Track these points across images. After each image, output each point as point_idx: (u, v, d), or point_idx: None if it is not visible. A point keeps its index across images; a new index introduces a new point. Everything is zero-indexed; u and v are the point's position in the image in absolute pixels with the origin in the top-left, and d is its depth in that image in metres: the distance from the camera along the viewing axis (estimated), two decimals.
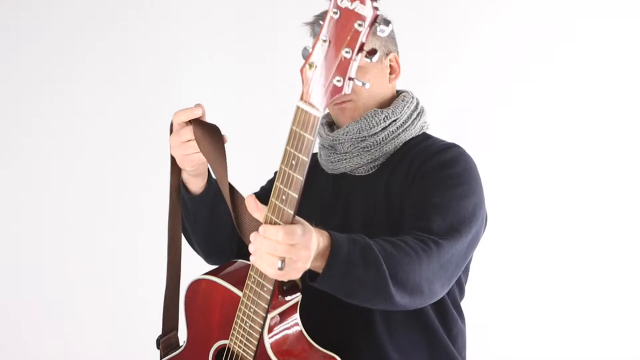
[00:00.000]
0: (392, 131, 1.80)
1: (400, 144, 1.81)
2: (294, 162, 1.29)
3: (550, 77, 2.68)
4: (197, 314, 1.66)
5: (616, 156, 2.61)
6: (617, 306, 2.61)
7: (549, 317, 2.65)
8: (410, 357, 1.72)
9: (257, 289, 1.46)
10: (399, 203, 1.69)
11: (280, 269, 1.29)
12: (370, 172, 1.81)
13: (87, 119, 2.93)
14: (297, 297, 1.57)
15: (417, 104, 1.89)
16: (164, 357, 1.78)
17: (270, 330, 1.52)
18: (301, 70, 1.25)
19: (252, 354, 1.53)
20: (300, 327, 1.56)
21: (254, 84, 2.78)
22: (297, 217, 1.33)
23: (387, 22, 1.27)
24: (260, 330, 1.49)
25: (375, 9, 1.16)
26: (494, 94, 2.70)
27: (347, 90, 1.22)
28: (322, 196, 1.85)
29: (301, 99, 1.27)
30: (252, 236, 1.31)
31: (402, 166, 1.76)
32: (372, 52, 1.22)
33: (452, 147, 1.78)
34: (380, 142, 1.79)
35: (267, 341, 1.51)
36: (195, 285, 1.65)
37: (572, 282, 2.63)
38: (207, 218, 1.79)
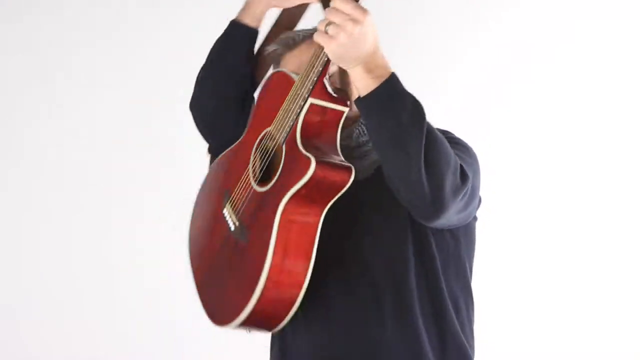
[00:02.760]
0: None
1: None
2: None
3: (551, 79, 2.66)
4: (261, 103, 1.72)
5: (617, 157, 2.60)
6: (617, 306, 2.58)
7: (548, 317, 2.62)
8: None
9: (309, 72, 1.51)
10: None
11: (325, 32, 1.38)
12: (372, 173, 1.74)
13: (84, 117, 2.89)
14: (341, 108, 1.56)
15: None
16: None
17: (307, 114, 1.54)
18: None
19: (285, 135, 1.57)
20: (335, 133, 1.57)
21: None
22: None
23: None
24: (298, 112, 1.53)
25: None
26: (494, 96, 2.70)
27: None
28: None
29: None
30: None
31: None
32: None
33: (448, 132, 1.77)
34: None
35: (300, 121, 1.53)
36: (275, 75, 1.70)
37: (571, 282, 2.60)
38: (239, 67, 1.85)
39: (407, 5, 2.62)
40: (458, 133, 2.59)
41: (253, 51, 1.88)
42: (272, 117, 1.64)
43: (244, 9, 1.89)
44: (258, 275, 1.52)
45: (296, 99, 1.55)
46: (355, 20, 1.38)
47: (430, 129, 1.47)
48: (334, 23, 1.39)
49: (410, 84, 2.43)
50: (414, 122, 1.45)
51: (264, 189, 1.60)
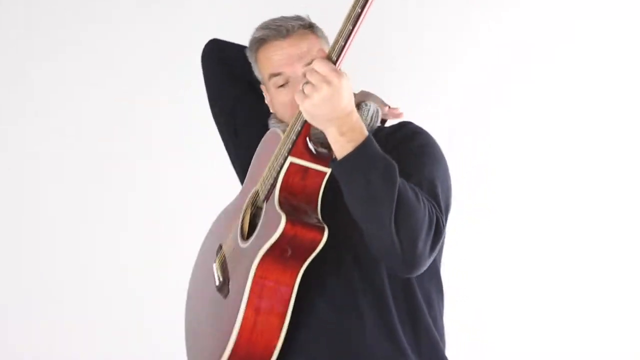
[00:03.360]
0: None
1: None
2: (351, 14, 1.42)
3: (551, 79, 2.65)
4: (255, 161, 1.77)
5: (616, 157, 2.61)
6: (617, 307, 2.57)
7: (548, 318, 2.62)
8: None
9: (290, 132, 1.55)
10: None
11: (301, 90, 1.44)
12: None
13: (70, 116, 2.85)
14: (323, 168, 1.56)
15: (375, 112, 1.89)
16: None
17: (287, 174, 1.55)
18: None
19: (266, 192, 1.61)
20: (317, 193, 1.57)
21: None
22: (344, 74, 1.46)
23: None
24: (278, 170, 1.56)
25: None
26: (494, 97, 2.70)
27: None
28: None
29: None
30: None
31: None
32: None
33: (411, 124, 1.79)
34: None
35: (279, 180, 1.55)
36: (269, 132, 1.75)
37: (571, 282, 2.59)
38: None
39: (406, 6, 2.62)
40: (457, 133, 2.61)
41: None
42: (258, 177, 1.68)
43: None
44: (230, 332, 1.54)
45: (278, 157, 1.59)
46: (329, 82, 1.43)
47: (402, 191, 1.50)
48: (310, 83, 1.45)
49: (410, 84, 2.47)
50: (385, 188, 1.48)
51: (244, 246, 1.65)
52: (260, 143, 1.79)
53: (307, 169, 1.57)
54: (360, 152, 1.48)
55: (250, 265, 1.54)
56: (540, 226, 2.62)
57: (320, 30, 1.84)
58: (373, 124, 1.81)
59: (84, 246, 2.82)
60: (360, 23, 1.44)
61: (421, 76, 2.64)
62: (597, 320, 2.58)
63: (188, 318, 1.91)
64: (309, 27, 1.80)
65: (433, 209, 1.56)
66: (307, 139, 1.57)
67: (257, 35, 1.80)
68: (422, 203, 1.52)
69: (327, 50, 1.64)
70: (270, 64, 1.77)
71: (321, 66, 1.45)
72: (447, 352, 1.72)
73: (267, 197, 1.62)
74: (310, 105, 1.45)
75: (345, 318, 1.65)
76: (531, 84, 2.63)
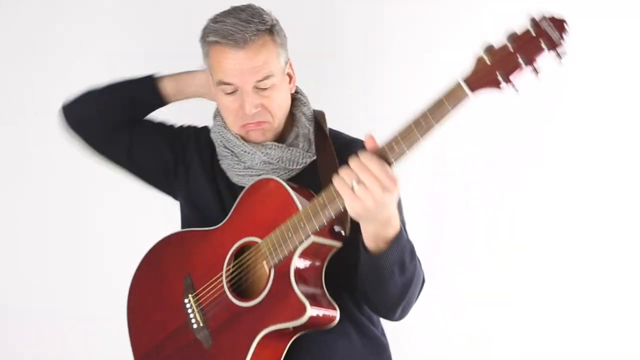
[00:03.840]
0: (305, 158, 1.84)
1: None
2: (422, 122, 1.41)
3: (550, 80, 2.67)
4: (247, 205, 1.74)
5: (616, 157, 2.60)
6: (617, 307, 2.56)
7: (549, 318, 2.60)
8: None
9: (319, 208, 1.55)
10: None
11: (352, 189, 1.43)
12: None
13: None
14: (337, 243, 1.64)
15: (311, 115, 1.90)
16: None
17: (304, 252, 1.61)
18: (478, 58, 1.40)
19: (275, 261, 1.62)
20: (322, 270, 1.66)
21: None
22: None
23: (563, 54, 1.37)
24: (297, 245, 1.59)
25: (563, 41, 1.35)
26: (493, 96, 2.70)
27: (501, 86, 1.39)
28: (224, 202, 1.86)
29: (464, 78, 1.41)
30: (351, 159, 1.45)
31: (325, 156, 1.80)
32: (537, 71, 1.39)
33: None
34: (290, 170, 1.83)
35: (295, 257, 1.60)
36: (263, 182, 1.73)
37: (572, 283, 2.58)
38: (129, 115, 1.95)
39: (405, 6, 2.61)
40: (456, 133, 2.55)
41: (152, 110, 1.96)
42: (258, 227, 1.69)
43: (173, 78, 1.93)
44: None
45: (298, 231, 1.59)
46: (385, 189, 1.43)
47: (419, 268, 1.65)
48: (363, 184, 1.43)
49: (408, 85, 2.46)
50: (408, 276, 1.60)
51: (241, 304, 1.68)
52: (252, 188, 1.76)
53: (324, 245, 1.63)
54: (392, 250, 1.55)
55: (256, 335, 1.62)
56: (539, 226, 2.61)
57: (280, 33, 1.80)
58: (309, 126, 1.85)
59: (84, 246, 2.82)
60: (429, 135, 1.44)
61: (420, 76, 2.59)
62: (597, 321, 2.57)
63: (139, 345, 1.87)
64: (269, 33, 1.76)
65: (422, 271, 1.70)
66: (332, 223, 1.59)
67: (211, 38, 1.75)
68: (420, 270, 1.68)
69: (281, 60, 1.74)
70: (221, 70, 1.75)
71: (379, 170, 1.42)
72: None
73: (277, 265, 1.63)
74: (361, 209, 1.45)
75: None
76: (530, 84, 2.64)
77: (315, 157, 1.82)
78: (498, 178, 2.56)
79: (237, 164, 1.84)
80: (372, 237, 1.54)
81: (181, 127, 2.03)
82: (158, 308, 1.82)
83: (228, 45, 1.72)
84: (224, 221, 1.78)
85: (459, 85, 1.40)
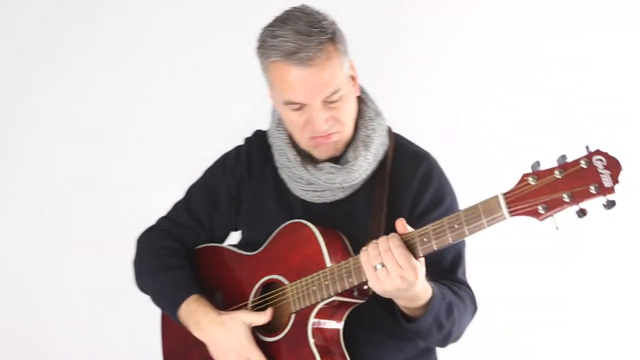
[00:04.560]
0: (371, 166, 1.80)
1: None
2: (456, 226, 1.44)
3: (549, 78, 2.61)
4: (281, 243, 1.78)
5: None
6: (617, 308, 2.66)
7: (548, 319, 2.70)
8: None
9: (344, 274, 1.60)
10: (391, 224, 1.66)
11: (375, 269, 1.50)
12: (344, 198, 1.81)
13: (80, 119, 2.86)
14: (358, 301, 1.71)
15: (382, 122, 1.84)
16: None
17: (324, 307, 1.68)
18: (525, 175, 1.38)
19: (297, 308, 1.69)
20: (341, 322, 1.73)
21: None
22: (422, 262, 1.51)
23: (612, 204, 1.33)
24: (319, 300, 1.65)
25: (615, 189, 1.31)
26: (492, 96, 2.66)
27: (541, 218, 1.38)
28: (293, 217, 1.83)
29: (505, 193, 1.40)
30: (381, 240, 1.51)
31: (380, 186, 1.79)
32: (585, 212, 1.35)
33: (432, 169, 1.82)
34: (355, 185, 1.80)
35: (315, 311, 1.68)
36: (299, 225, 1.75)
37: (572, 283, 2.66)
38: None
39: (404, 5, 2.58)
40: (454, 133, 2.54)
41: None
42: (288, 269, 1.74)
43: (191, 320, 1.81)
44: None
45: (322, 288, 1.63)
46: (403, 278, 1.48)
47: (458, 316, 1.68)
48: (386, 268, 1.48)
49: (407, 85, 2.41)
50: (446, 334, 1.67)
51: (259, 336, 1.75)
52: (288, 227, 1.77)
53: (344, 302, 1.69)
54: (426, 317, 1.61)
55: None
56: (539, 226, 2.63)
57: (341, 39, 1.72)
58: (382, 153, 1.81)
59: (84, 246, 2.86)
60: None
61: (420, 76, 2.63)
62: (597, 321, 2.66)
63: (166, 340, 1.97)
64: (331, 42, 1.68)
65: (472, 299, 1.77)
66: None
67: (273, 58, 1.67)
68: (468, 308, 1.74)
69: (345, 68, 1.68)
70: (287, 90, 1.68)
71: (403, 259, 1.47)
72: None
73: (298, 311, 1.69)
74: (381, 291, 1.52)
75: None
76: (528, 84, 2.60)
77: (376, 167, 1.81)
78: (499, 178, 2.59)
79: (300, 178, 1.81)
80: (404, 307, 1.62)
81: (224, 165, 1.96)
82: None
83: (291, 64, 1.64)
84: (260, 250, 1.82)
85: (496, 202, 1.40)
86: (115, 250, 2.69)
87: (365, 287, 1.65)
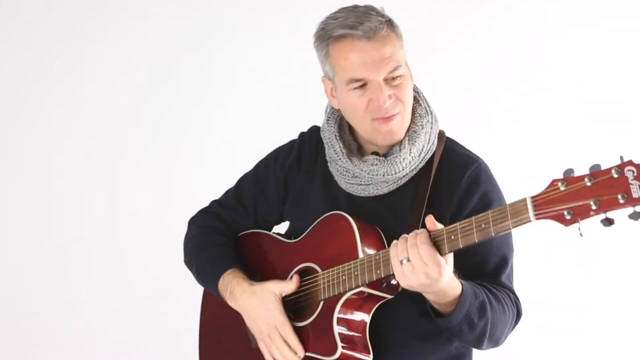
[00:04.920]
0: (415, 165, 1.82)
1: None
2: (483, 225, 1.46)
3: (549, 77, 2.60)
4: (320, 233, 1.84)
5: (615, 156, 2.59)
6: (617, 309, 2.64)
7: (548, 321, 2.69)
8: None
9: (374, 265, 1.64)
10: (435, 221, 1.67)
11: (401, 263, 1.52)
12: (388, 193, 1.84)
13: (88, 117, 2.94)
14: (387, 295, 1.74)
15: (434, 120, 1.87)
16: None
17: (352, 296, 1.71)
18: (553, 181, 1.39)
19: (326, 296, 1.74)
20: (369, 315, 1.75)
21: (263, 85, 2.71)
22: (448, 260, 1.53)
23: (638, 215, 1.32)
24: (347, 290, 1.69)
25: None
26: (491, 97, 2.65)
27: (567, 223, 1.36)
28: (338, 209, 1.88)
29: (533, 197, 1.41)
30: (411, 235, 1.54)
31: (424, 185, 1.81)
32: (611, 222, 1.34)
33: (480, 173, 1.82)
34: (402, 176, 1.82)
35: (342, 300, 1.71)
36: (338, 217, 1.80)
37: (572, 284, 2.65)
38: None
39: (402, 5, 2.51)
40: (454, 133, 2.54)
41: None
42: (319, 256, 1.78)
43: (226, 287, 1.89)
44: None
45: (351, 277, 1.67)
46: (427, 275, 1.50)
47: (492, 320, 1.67)
48: (411, 264, 1.51)
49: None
50: (480, 328, 1.65)
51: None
52: (327, 218, 1.82)
53: (372, 294, 1.71)
54: (456, 313, 1.62)
55: None
56: (538, 226, 2.62)
57: (397, 26, 1.78)
58: (430, 147, 1.84)
59: (86, 246, 2.94)
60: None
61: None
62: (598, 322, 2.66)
63: (202, 329, 2.04)
64: (389, 24, 1.75)
65: (514, 303, 1.76)
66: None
67: (338, 32, 1.73)
68: (507, 311, 1.72)
69: (403, 52, 1.73)
70: (350, 66, 1.74)
71: (427, 256, 1.50)
72: None
73: (326, 300, 1.74)
74: (407, 285, 1.55)
75: None
76: (527, 84, 2.61)
77: (424, 164, 1.84)
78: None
79: (346, 171, 1.87)
80: (433, 302, 1.64)
81: (276, 157, 2.03)
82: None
83: (356, 37, 1.71)
84: (300, 238, 1.88)
85: (524, 205, 1.41)
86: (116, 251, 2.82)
87: (394, 281, 1.69)
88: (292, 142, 2.03)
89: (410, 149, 1.80)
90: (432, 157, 1.84)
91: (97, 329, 2.92)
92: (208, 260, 1.95)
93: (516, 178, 2.56)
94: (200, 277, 1.99)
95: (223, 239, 1.99)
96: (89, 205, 2.92)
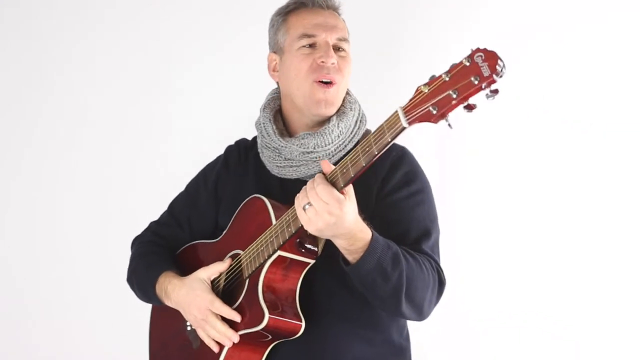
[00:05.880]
0: (342, 143, 1.88)
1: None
2: (367, 149, 1.49)
3: (547, 75, 2.61)
4: (240, 221, 1.88)
5: (616, 157, 2.54)
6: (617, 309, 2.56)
7: (548, 320, 2.61)
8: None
9: (284, 226, 1.67)
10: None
11: (304, 210, 1.54)
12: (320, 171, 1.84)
13: (83, 117, 2.99)
14: (308, 260, 1.74)
15: (360, 110, 1.96)
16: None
17: (273, 264, 1.72)
18: (418, 87, 1.42)
19: (250, 272, 1.76)
20: (296, 284, 1.75)
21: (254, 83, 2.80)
22: (348, 191, 1.55)
23: (496, 92, 1.37)
24: (266, 258, 1.71)
25: (494, 77, 1.33)
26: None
27: (434, 119, 1.40)
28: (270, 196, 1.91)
29: (403, 106, 1.45)
30: (309, 183, 1.56)
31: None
32: (471, 107, 1.38)
33: (404, 156, 1.88)
34: (330, 154, 1.87)
35: (264, 270, 1.72)
36: (252, 199, 1.85)
37: (571, 284, 2.58)
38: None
39: (402, 5, 2.66)
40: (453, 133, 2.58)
41: None
42: (243, 240, 1.80)
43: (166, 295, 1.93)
44: None
45: (267, 245, 1.70)
46: (331, 213, 1.52)
47: (408, 274, 1.64)
48: (313, 207, 1.53)
49: (404, 84, 2.43)
50: (394, 280, 1.63)
51: None
52: (244, 204, 1.88)
53: (293, 260, 1.72)
54: (366, 260, 1.61)
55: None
56: (539, 226, 2.59)
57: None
58: (357, 131, 1.90)
59: (87, 247, 2.95)
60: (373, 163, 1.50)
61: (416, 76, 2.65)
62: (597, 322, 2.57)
63: (151, 343, 2.07)
64: (337, 11, 1.94)
65: (434, 269, 1.75)
66: (299, 238, 1.68)
67: (295, 4, 1.90)
68: (425, 271, 1.70)
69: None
70: (305, 25, 1.87)
71: (325, 194, 1.52)
72: None
73: (251, 276, 1.76)
74: (315, 229, 1.55)
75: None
76: (527, 84, 2.59)
77: (351, 146, 1.89)
78: (502, 179, 2.59)
79: (278, 156, 1.92)
80: (345, 250, 1.63)
81: (205, 171, 2.12)
82: (170, 310, 1.96)
83: (316, 5, 1.89)
84: (224, 232, 1.93)
85: (397, 115, 1.45)
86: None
87: (308, 244, 1.71)
88: (219, 156, 2.13)
89: (338, 124, 1.87)
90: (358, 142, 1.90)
91: (82, 329, 2.94)
92: (144, 271, 2.00)
93: (510, 176, 2.62)
94: (140, 289, 2.03)
95: (156, 248, 2.05)
96: (78, 204, 2.96)
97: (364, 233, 1.60)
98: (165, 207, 2.17)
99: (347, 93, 1.95)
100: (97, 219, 2.94)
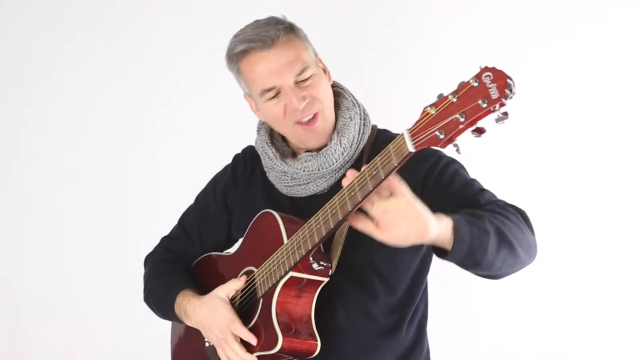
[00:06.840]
0: (348, 156, 1.81)
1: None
2: (374, 172, 1.42)
3: (547, 76, 2.55)
4: (253, 236, 1.86)
5: (615, 157, 2.50)
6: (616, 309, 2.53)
7: (548, 320, 2.59)
8: None
9: (295, 247, 1.63)
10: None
11: (375, 224, 1.43)
12: (328, 189, 1.83)
13: (81, 117, 2.98)
14: (321, 278, 1.70)
15: (362, 112, 1.86)
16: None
17: (285, 285, 1.68)
18: (424, 108, 1.36)
19: (263, 292, 1.73)
20: (310, 304, 1.71)
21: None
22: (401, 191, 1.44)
23: (506, 115, 1.29)
24: (278, 279, 1.67)
25: (503, 100, 1.26)
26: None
27: (441, 144, 1.33)
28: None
29: (409, 128, 1.38)
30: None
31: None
32: (480, 131, 1.31)
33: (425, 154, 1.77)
34: (336, 169, 1.81)
35: (277, 290, 1.69)
36: (264, 214, 1.83)
37: (571, 284, 2.55)
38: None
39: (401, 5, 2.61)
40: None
41: None
42: (256, 256, 1.78)
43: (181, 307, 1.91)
44: None
45: (280, 265, 1.66)
46: (405, 216, 1.41)
47: (500, 231, 1.52)
48: (385, 219, 1.41)
49: (403, 83, 2.39)
50: (494, 249, 1.51)
51: None
52: (254, 222, 1.85)
53: (306, 279, 1.68)
54: (455, 252, 1.48)
55: None
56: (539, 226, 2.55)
57: (299, 30, 1.81)
58: (362, 137, 1.83)
59: (89, 247, 2.95)
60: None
61: (415, 76, 2.62)
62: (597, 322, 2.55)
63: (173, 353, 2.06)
64: (290, 29, 1.78)
65: (503, 207, 1.65)
66: (311, 257, 1.64)
67: (239, 48, 1.77)
68: (506, 210, 1.61)
69: (310, 52, 1.76)
70: (258, 78, 1.76)
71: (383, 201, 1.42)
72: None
73: (264, 296, 1.73)
74: (394, 238, 1.43)
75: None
76: (527, 84, 2.51)
77: (360, 153, 1.84)
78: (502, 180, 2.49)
79: (284, 175, 1.88)
80: (436, 243, 1.50)
81: (213, 183, 2.09)
82: (189, 327, 1.95)
83: (257, 48, 1.74)
84: (238, 247, 1.92)
85: (402, 140, 1.39)
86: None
87: (323, 262, 1.67)
88: (227, 165, 2.08)
89: (339, 140, 1.81)
90: (366, 146, 1.84)
91: (82, 329, 2.95)
92: (161, 293, 1.98)
93: (509, 175, 2.57)
94: (158, 310, 2.02)
95: (171, 266, 2.03)
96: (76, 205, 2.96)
97: (447, 226, 1.48)
98: (165, 208, 2.18)
99: (342, 96, 1.88)
100: (97, 218, 2.94)
